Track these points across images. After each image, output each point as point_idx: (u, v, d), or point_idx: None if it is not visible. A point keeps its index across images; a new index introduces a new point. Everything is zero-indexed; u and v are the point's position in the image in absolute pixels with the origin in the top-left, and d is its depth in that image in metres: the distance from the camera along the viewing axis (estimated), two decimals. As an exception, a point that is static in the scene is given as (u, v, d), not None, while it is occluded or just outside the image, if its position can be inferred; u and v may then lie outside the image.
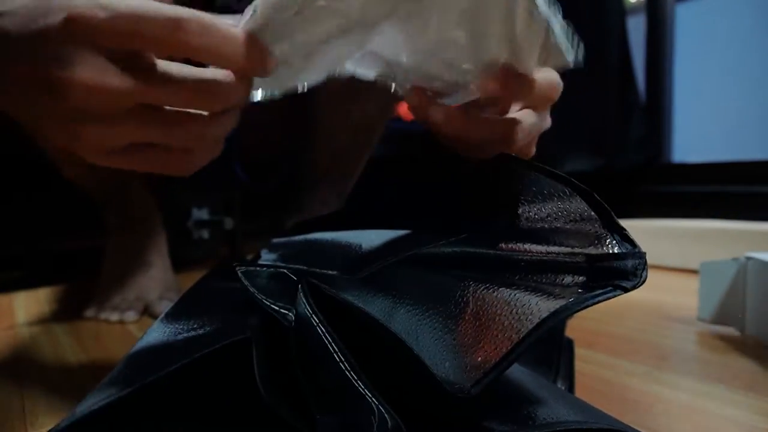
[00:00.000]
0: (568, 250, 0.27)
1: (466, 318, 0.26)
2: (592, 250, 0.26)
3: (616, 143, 1.34)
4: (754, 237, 0.84)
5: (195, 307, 0.35)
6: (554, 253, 0.28)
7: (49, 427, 0.25)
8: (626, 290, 0.24)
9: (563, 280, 0.26)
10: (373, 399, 0.21)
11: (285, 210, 0.91)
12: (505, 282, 0.27)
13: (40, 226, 0.96)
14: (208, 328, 0.29)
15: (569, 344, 0.41)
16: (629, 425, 0.25)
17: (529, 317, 0.24)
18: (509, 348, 0.23)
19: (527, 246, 0.29)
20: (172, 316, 0.34)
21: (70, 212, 0.94)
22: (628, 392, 0.40)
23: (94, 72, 0.25)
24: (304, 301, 0.27)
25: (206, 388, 0.31)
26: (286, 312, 0.27)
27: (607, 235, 0.26)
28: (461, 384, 0.22)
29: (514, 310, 0.25)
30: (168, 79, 0.26)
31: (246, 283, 0.30)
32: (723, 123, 1.39)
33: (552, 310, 0.23)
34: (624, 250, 0.25)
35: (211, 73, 0.27)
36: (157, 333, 0.31)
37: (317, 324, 0.25)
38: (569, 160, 1.33)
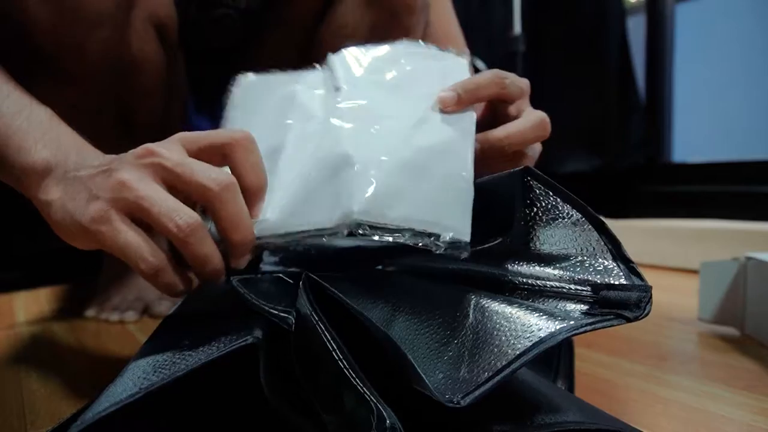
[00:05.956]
0: (575, 277, 0.27)
1: (464, 330, 0.26)
2: (598, 279, 0.26)
3: (616, 143, 1.34)
4: (754, 237, 0.84)
5: (199, 311, 0.35)
6: (561, 279, 0.28)
7: (49, 427, 0.25)
8: (628, 320, 0.24)
9: (566, 306, 0.26)
10: (372, 398, 0.21)
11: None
12: (508, 300, 0.27)
13: (40, 226, 0.95)
14: (212, 335, 0.29)
15: (569, 344, 0.41)
16: (629, 425, 0.25)
17: (528, 336, 0.24)
18: (504, 364, 0.23)
19: (534, 269, 0.29)
20: (176, 320, 0.34)
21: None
22: (628, 392, 0.40)
23: (146, 186, 0.32)
24: (305, 298, 0.27)
25: (210, 393, 0.31)
26: (286, 315, 0.27)
27: (615, 266, 0.26)
28: (452, 395, 0.22)
29: (513, 327, 0.25)
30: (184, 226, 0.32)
31: (243, 290, 0.30)
32: (723, 123, 1.39)
33: (551, 330, 0.23)
34: (630, 283, 0.25)
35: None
36: (161, 339, 0.31)
37: (317, 322, 0.25)
38: (569, 160, 1.33)
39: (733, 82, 1.36)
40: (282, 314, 0.27)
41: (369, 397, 0.21)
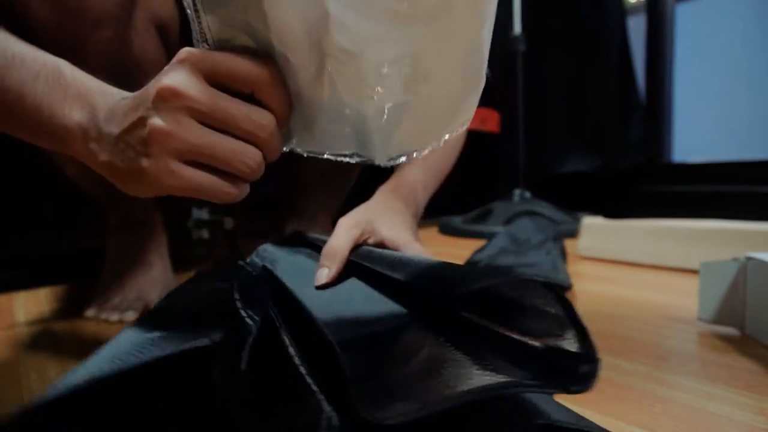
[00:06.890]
0: (530, 333, 0.28)
1: (413, 360, 0.27)
2: (551, 342, 0.27)
3: (616, 143, 1.34)
4: (754, 237, 0.84)
5: (178, 308, 0.35)
6: (515, 332, 0.29)
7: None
8: (568, 392, 0.25)
9: (516, 360, 0.27)
10: (322, 398, 0.22)
11: (284, 211, 0.91)
12: (460, 343, 0.28)
13: (40, 226, 0.96)
14: (176, 333, 0.29)
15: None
16: (599, 426, 0.25)
17: (468, 382, 0.24)
18: (436, 399, 0.23)
19: (489, 323, 0.30)
20: (152, 315, 0.34)
21: (70, 212, 0.94)
22: (628, 392, 0.40)
23: (192, 133, 0.33)
24: (272, 306, 0.28)
25: (166, 392, 0.31)
26: (251, 323, 0.27)
27: (568, 332, 0.27)
28: (381, 416, 0.22)
29: (458, 371, 0.25)
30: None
31: (249, 269, 0.30)
32: (723, 123, 1.39)
33: (491, 382, 0.24)
34: (582, 351, 0.26)
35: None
36: (127, 332, 0.31)
37: (279, 326, 0.26)
38: (569, 160, 1.33)
39: (734, 82, 1.36)
40: (246, 319, 0.28)
41: (319, 397, 0.22)
